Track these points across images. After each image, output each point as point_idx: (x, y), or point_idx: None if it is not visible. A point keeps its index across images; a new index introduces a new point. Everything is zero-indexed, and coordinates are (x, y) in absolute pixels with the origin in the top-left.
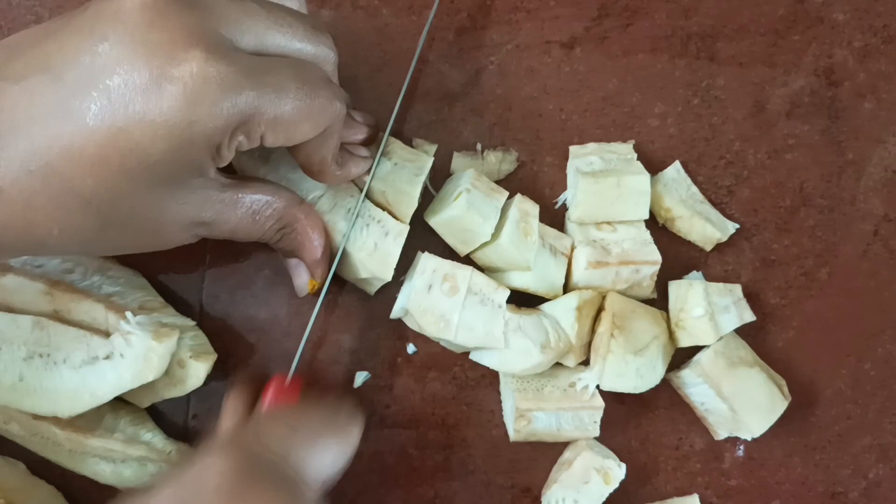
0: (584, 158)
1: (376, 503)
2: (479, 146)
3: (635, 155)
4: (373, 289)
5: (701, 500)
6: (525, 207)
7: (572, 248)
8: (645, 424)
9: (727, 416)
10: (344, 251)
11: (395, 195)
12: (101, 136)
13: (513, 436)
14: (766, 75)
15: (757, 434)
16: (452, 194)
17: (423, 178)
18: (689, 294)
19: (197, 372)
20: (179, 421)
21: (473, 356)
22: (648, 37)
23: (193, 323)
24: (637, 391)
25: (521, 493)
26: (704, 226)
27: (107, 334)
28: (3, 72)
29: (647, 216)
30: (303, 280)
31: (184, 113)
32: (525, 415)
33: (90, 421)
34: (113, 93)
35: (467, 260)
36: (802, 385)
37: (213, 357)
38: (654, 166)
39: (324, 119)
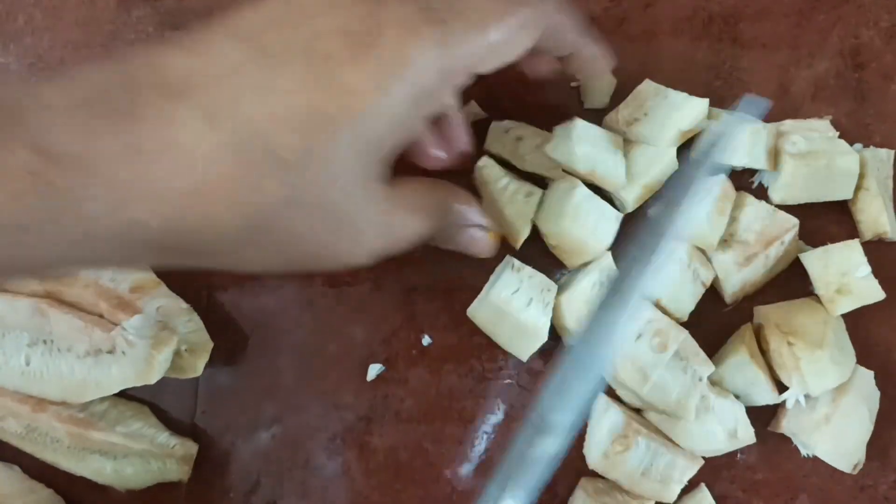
0: (786, 138)
1: (391, 500)
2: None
3: (836, 133)
4: (525, 351)
5: (726, 495)
6: (728, 190)
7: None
8: None
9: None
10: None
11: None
12: (314, 88)
13: (595, 461)
14: (791, 57)
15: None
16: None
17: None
18: (851, 255)
19: (194, 364)
20: (185, 419)
21: (649, 416)
22: (669, 18)
23: (186, 306)
24: (844, 379)
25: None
26: (882, 212)
27: (104, 320)
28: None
29: (851, 196)
30: (482, 241)
31: (396, 52)
32: (629, 436)
33: (92, 415)
34: (329, 52)
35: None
36: None
37: (210, 346)
38: None
39: (539, 21)
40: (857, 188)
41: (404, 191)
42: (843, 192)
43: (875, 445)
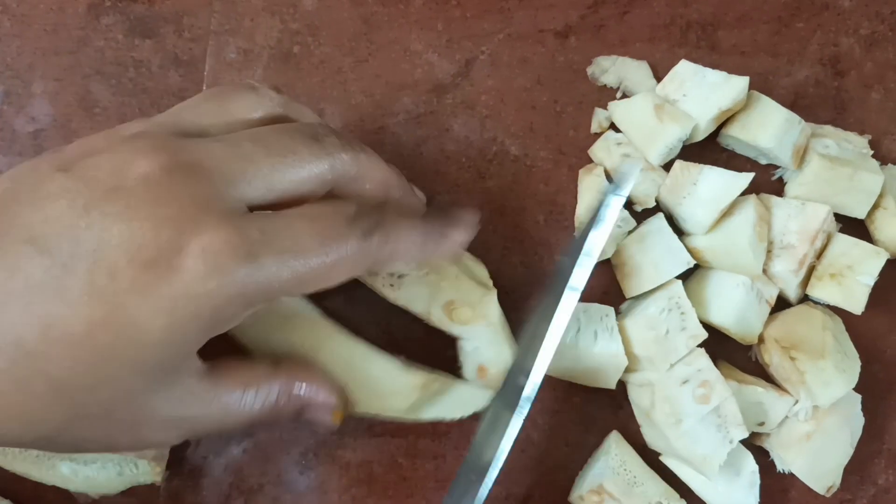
0: (820, 139)
1: None
2: None
3: (871, 151)
4: (612, 380)
5: None
6: (761, 211)
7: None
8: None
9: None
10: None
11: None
12: (93, 312)
13: (573, 497)
14: (770, 65)
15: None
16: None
17: None
18: (872, 260)
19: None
20: None
21: (667, 460)
22: (646, 25)
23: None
24: (852, 385)
25: (517, 503)
26: None
27: None
28: None
29: (864, 216)
30: (327, 421)
31: (195, 287)
32: (602, 493)
33: None
34: (116, 270)
35: None
36: None
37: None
38: None
39: (358, 265)
40: (875, 206)
41: (228, 378)
42: (857, 210)
43: (854, 459)
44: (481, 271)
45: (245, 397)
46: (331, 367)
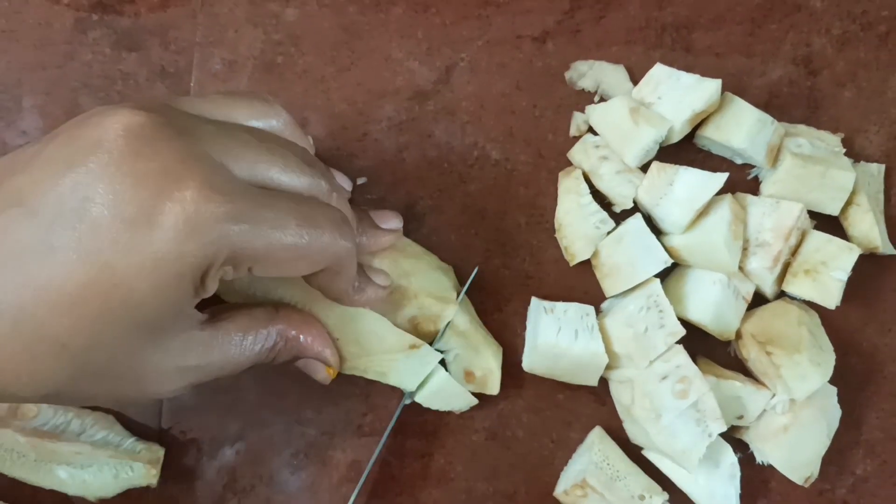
0: (793, 138)
1: None
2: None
3: (843, 149)
4: (594, 378)
5: (684, 501)
6: (737, 210)
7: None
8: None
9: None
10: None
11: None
12: (82, 273)
13: (559, 491)
14: (744, 65)
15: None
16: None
17: None
18: (845, 256)
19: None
20: (150, 437)
21: (649, 454)
22: (622, 28)
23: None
24: (827, 378)
25: (504, 499)
26: (873, 227)
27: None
28: None
29: (837, 213)
30: (321, 373)
31: (174, 245)
32: (585, 487)
33: (56, 427)
34: (98, 227)
35: None
36: None
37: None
38: None
39: (324, 259)
40: (849, 203)
41: (228, 325)
42: (830, 207)
43: (832, 449)
44: (449, 279)
45: (244, 342)
46: (324, 321)
